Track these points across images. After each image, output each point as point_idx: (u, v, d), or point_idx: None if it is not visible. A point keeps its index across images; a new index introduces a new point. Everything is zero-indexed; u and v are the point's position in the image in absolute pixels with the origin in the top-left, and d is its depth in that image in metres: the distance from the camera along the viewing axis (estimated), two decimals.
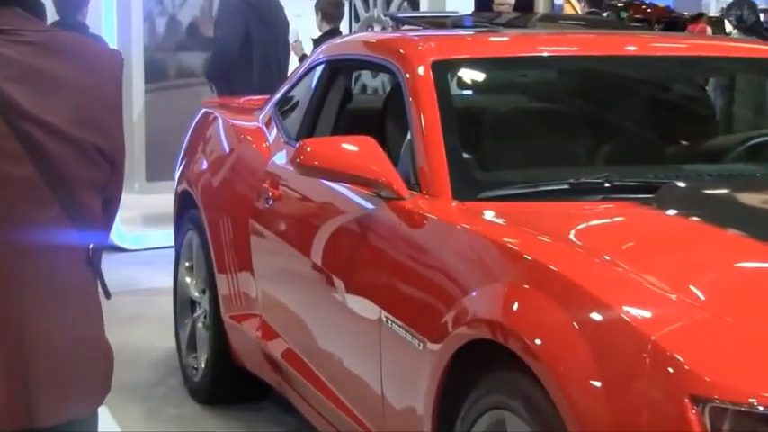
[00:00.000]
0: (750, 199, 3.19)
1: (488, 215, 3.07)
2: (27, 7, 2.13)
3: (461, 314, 2.76)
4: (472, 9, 8.41)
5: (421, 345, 2.92)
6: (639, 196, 3.11)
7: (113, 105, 2.16)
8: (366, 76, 8.01)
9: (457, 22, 4.59)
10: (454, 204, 3.16)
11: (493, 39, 4.10)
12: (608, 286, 2.49)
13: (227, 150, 4.75)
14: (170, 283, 5.15)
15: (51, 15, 6.44)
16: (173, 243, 5.22)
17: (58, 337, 2.12)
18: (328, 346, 3.69)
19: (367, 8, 9.32)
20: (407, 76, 3.54)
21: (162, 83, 8.46)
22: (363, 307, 3.28)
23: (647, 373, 2.21)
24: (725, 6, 9.60)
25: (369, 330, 3.21)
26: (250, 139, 4.57)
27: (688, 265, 2.69)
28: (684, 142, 3.92)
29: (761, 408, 2.08)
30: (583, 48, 3.98)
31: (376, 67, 4.30)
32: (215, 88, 7.41)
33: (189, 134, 5.20)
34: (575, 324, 2.41)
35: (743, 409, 2.09)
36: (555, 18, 7.26)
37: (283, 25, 7.63)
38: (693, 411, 2.12)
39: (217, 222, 4.55)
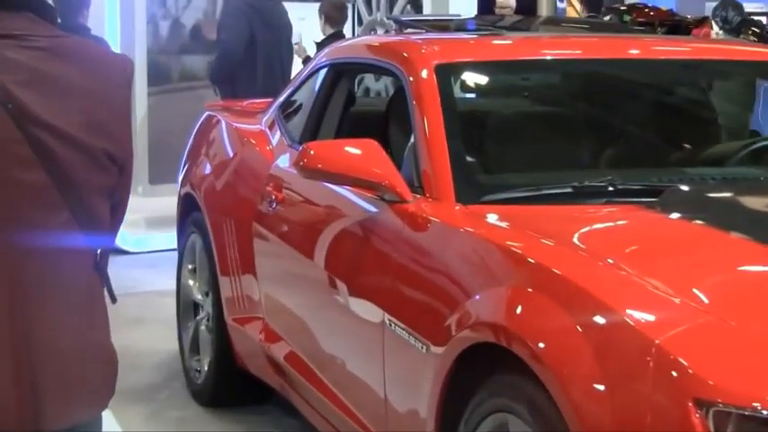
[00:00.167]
0: (753, 202, 3.19)
1: (492, 218, 3.07)
2: (38, 12, 2.13)
3: (465, 317, 2.75)
4: (475, 12, 8.40)
5: (424, 348, 2.92)
6: (643, 200, 3.11)
7: (120, 110, 2.15)
8: (369, 79, 8.01)
9: (460, 26, 4.59)
10: (457, 207, 3.16)
11: (496, 42, 4.10)
12: (611, 290, 2.48)
13: (231, 153, 4.75)
14: (173, 285, 5.15)
15: None
16: (176, 246, 5.22)
17: (65, 342, 2.12)
18: (331, 349, 3.69)
19: (370, 11, 9.32)
20: (411, 79, 3.54)
21: (165, 86, 8.47)
22: (366, 310, 3.28)
23: (650, 377, 2.21)
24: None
25: (372, 333, 3.21)
26: (253, 142, 4.57)
27: (692, 268, 2.68)
28: (688, 146, 3.92)
29: (764, 412, 2.07)
30: (586, 51, 3.98)
31: (379, 71, 4.30)
32: (218, 91, 7.40)
33: (192, 137, 5.20)
34: (578, 327, 2.41)
35: (746, 412, 2.09)
36: (558, 21, 7.28)
37: (287, 28, 7.63)
38: (697, 415, 2.11)
39: (220, 225, 4.54)
